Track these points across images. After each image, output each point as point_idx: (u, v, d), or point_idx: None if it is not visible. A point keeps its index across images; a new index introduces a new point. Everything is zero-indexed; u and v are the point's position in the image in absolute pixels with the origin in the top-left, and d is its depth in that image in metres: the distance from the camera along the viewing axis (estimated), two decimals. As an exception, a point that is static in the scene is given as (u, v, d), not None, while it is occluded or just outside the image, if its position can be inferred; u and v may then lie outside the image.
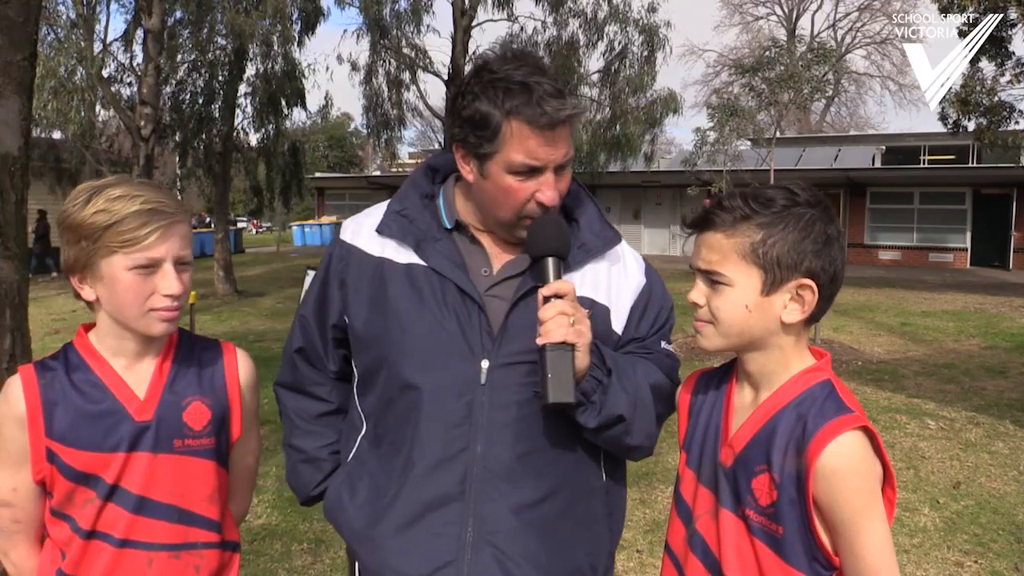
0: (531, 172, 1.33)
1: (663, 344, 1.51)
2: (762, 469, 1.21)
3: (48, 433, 1.33)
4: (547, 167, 1.33)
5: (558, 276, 1.33)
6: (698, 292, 1.27)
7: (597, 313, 1.41)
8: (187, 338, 1.48)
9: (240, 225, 34.08)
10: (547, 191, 1.34)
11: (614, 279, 1.47)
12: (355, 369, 1.53)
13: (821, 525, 1.18)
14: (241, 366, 1.50)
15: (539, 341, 1.27)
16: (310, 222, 31.64)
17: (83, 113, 13.00)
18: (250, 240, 33.50)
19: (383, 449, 1.44)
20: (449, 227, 1.46)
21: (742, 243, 1.21)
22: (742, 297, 1.22)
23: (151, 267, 1.31)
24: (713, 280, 1.24)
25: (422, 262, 1.41)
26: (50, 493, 1.38)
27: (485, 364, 1.36)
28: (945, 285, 16.88)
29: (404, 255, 1.43)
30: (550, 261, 1.33)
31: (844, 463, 1.14)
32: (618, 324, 1.45)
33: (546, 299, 1.30)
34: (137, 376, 1.39)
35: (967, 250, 23.20)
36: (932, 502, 4.41)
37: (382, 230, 1.46)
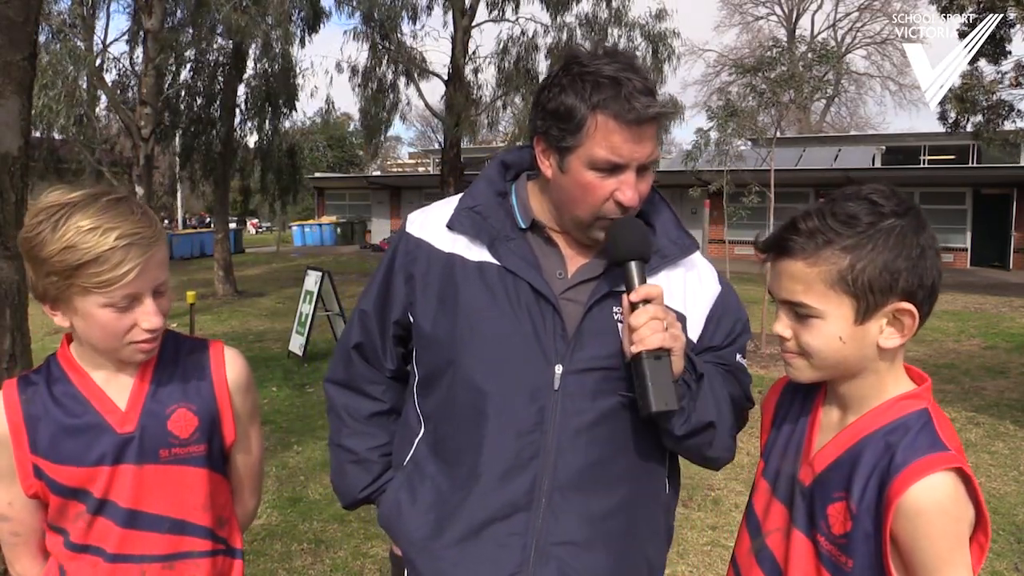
0: (613, 169, 1.28)
1: (739, 358, 1.45)
2: (840, 496, 1.13)
3: (33, 449, 1.29)
4: (629, 165, 1.28)
5: (643, 280, 1.27)
6: (783, 325, 1.18)
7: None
8: (172, 341, 1.41)
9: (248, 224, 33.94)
10: (627, 190, 1.29)
11: (689, 287, 1.42)
12: (416, 369, 1.47)
13: (896, 566, 1.09)
14: (230, 367, 1.43)
15: (633, 350, 1.22)
16: (310, 222, 31.63)
17: (81, 111, 12.99)
18: (250, 240, 33.50)
19: (446, 455, 1.38)
20: (524, 227, 1.40)
21: (828, 271, 1.11)
22: (835, 329, 1.12)
23: (129, 302, 1.24)
24: (799, 312, 1.15)
25: (495, 261, 1.36)
26: (47, 506, 1.35)
27: (559, 369, 1.31)
28: (945, 285, 16.71)
29: (476, 253, 1.38)
30: (634, 265, 1.28)
31: (931, 505, 1.04)
32: (694, 332, 1.40)
33: (633, 305, 1.24)
34: (119, 386, 1.34)
35: (967, 250, 23.20)
36: (932, 502, 4.41)
37: (453, 225, 1.40)
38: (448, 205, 1.46)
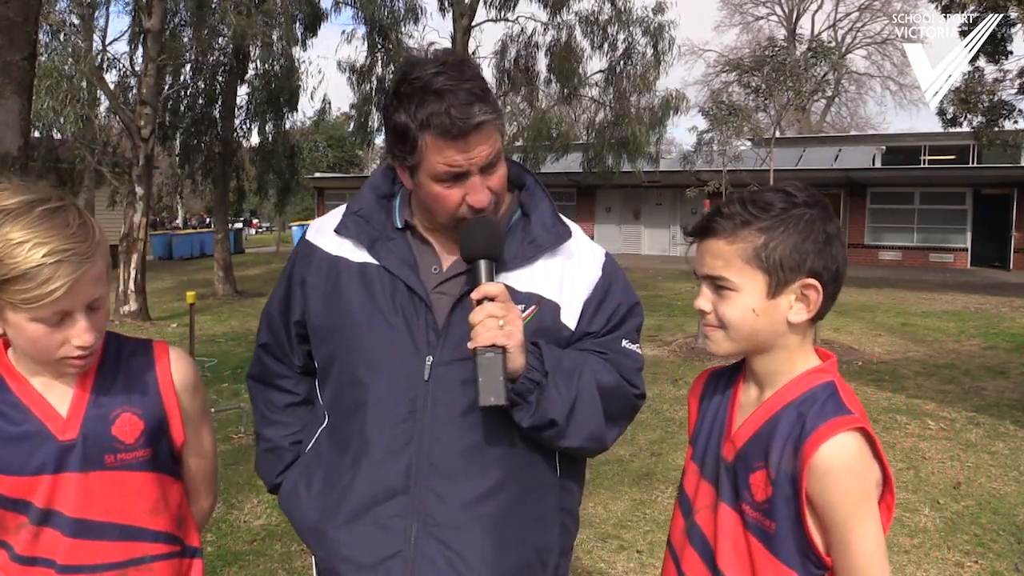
0: (456, 178, 1.34)
1: (624, 343, 1.49)
2: (760, 465, 1.23)
3: None
4: (471, 171, 1.33)
5: (491, 278, 1.34)
6: (704, 299, 1.29)
7: (545, 309, 1.42)
8: (115, 343, 1.37)
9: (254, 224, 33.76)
10: (476, 194, 1.35)
11: (567, 274, 1.46)
12: (316, 364, 1.56)
13: (814, 524, 1.19)
14: (175, 367, 1.40)
15: (469, 346, 1.29)
16: (310, 222, 31.56)
17: (82, 112, 12.99)
18: (250, 240, 33.49)
19: (338, 443, 1.46)
20: (400, 226, 1.48)
21: (745, 248, 1.22)
22: (749, 301, 1.24)
23: (59, 318, 1.19)
24: (718, 286, 1.26)
25: (375, 261, 1.44)
26: None
27: (429, 360, 1.38)
28: (945, 285, 16.87)
29: (359, 254, 1.46)
30: (482, 264, 1.34)
31: (838, 463, 1.15)
32: (570, 319, 1.45)
33: (478, 302, 1.31)
34: (60, 392, 1.29)
35: (967, 250, 23.18)
36: (932, 502, 4.41)
37: (340, 230, 1.49)
38: (340, 211, 1.55)
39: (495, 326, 1.28)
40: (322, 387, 1.54)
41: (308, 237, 1.56)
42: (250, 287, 16.08)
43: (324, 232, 1.53)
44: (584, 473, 1.58)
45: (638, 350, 1.51)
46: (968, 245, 23.20)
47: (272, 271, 19.84)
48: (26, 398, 1.28)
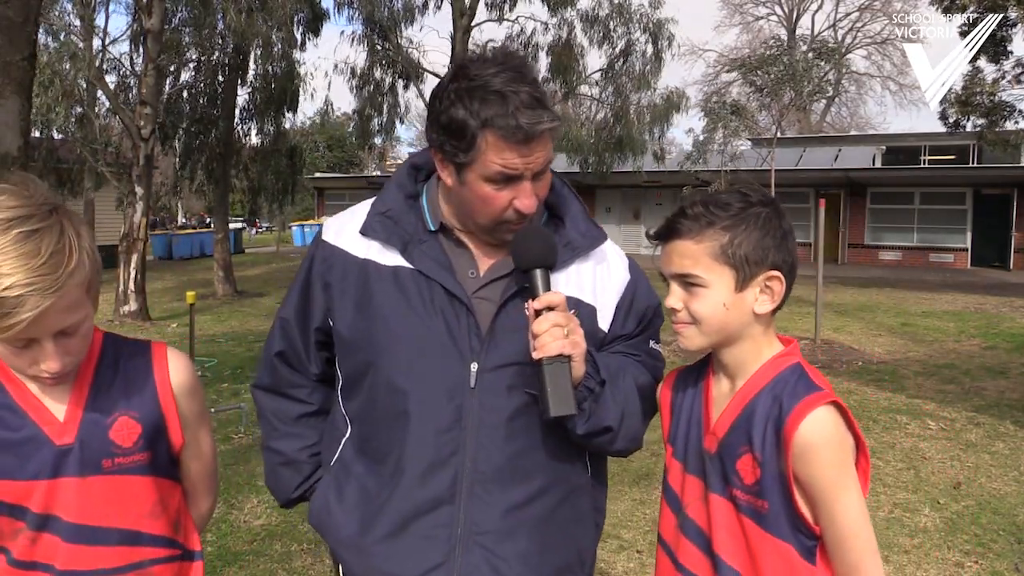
0: (508, 180, 1.31)
1: (652, 344, 1.51)
2: (745, 450, 1.28)
3: None
4: (524, 175, 1.31)
5: (547, 287, 1.32)
6: (675, 297, 1.34)
7: (583, 313, 1.41)
8: (112, 345, 1.35)
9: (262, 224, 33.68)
10: (525, 199, 1.33)
11: (599, 278, 1.47)
12: (339, 372, 1.49)
13: (801, 498, 1.25)
14: (174, 370, 1.37)
15: (535, 356, 1.27)
16: (310, 222, 31.63)
17: (80, 110, 13.00)
18: (254, 240, 33.49)
19: (371, 454, 1.42)
20: (433, 229, 1.44)
21: (711, 246, 1.29)
22: (719, 296, 1.30)
23: (26, 343, 1.17)
24: (689, 283, 1.31)
25: (408, 264, 1.39)
26: None
27: (474, 367, 1.35)
28: (945, 285, 16.86)
29: (390, 257, 1.41)
30: (538, 273, 1.31)
31: (818, 437, 1.22)
32: (604, 322, 1.45)
33: (537, 312, 1.29)
34: (57, 395, 1.27)
35: (967, 250, 23.19)
36: (932, 502, 4.41)
37: (366, 231, 1.43)
38: (362, 210, 1.49)
39: (561, 335, 1.26)
40: (348, 396, 1.47)
41: (327, 238, 1.48)
42: (250, 287, 16.08)
43: (346, 233, 1.46)
44: (607, 472, 1.58)
45: (661, 349, 1.53)
46: (968, 245, 23.20)
47: (272, 271, 19.84)
48: (23, 402, 1.27)
